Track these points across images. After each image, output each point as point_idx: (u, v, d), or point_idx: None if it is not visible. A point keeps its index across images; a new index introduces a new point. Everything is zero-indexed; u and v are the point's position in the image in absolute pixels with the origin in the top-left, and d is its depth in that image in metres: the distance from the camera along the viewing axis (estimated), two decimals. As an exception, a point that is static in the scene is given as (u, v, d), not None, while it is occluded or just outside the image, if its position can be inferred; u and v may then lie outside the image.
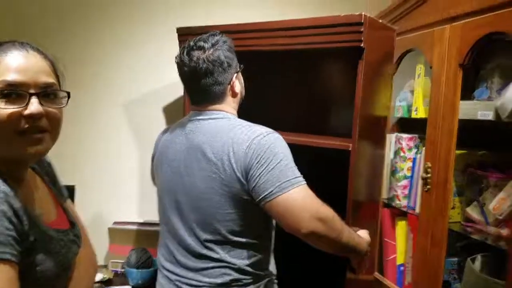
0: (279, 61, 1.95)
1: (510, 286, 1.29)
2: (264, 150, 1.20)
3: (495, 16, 1.37)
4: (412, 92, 1.90)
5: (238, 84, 1.39)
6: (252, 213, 1.28)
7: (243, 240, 1.30)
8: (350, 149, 1.55)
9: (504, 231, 1.43)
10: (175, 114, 2.28)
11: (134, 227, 2.19)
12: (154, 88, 2.30)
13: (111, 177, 2.30)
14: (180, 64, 1.33)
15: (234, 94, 1.38)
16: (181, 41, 2.00)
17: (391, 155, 2.00)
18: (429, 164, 1.64)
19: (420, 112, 1.82)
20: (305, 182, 1.20)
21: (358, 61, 1.51)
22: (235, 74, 1.37)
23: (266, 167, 1.18)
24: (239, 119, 1.35)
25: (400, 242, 1.98)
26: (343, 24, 1.49)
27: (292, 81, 2.11)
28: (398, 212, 1.98)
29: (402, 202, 1.92)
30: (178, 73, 1.38)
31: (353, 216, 1.58)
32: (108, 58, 2.26)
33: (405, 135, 1.92)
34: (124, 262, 2.08)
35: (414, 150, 1.90)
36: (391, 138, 2.00)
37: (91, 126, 2.26)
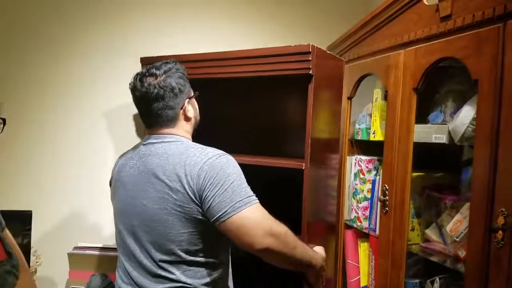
0: (238, 87, 2.04)
1: (467, 308, 1.30)
2: (216, 172, 1.23)
3: (445, 42, 1.41)
4: (370, 115, 1.93)
5: (191, 109, 1.43)
6: (206, 232, 1.29)
7: (198, 259, 1.31)
8: (303, 168, 1.59)
9: (462, 253, 1.45)
10: (134, 140, 2.26)
11: (95, 252, 2.12)
12: (114, 115, 2.28)
13: (70, 201, 2.23)
14: (133, 90, 1.38)
15: (187, 119, 1.41)
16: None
17: (352, 177, 2.02)
18: (386, 186, 1.66)
19: (377, 135, 1.84)
20: (257, 200, 1.24)
21: (308, 87, 1.59)
22: (187, 100, 1.41)
23: (219, 188, 1.21)
24: (192, 142, 1.39)
25: (363, 264, 1.98)
26: (293, 53, 1.58)
27: (249, 106, 2.18)
28: (361, 233, 1.99)
29: (363, 224, 1.93)
30: (132, 99, 1.42)
31: (308, 233, 1.62)
32: (70, 87, 2.22)
33: (364, 157, 1.94)
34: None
35: (374, 172, 1.92)
36: (351, 160, 2.03)
37: (49, 149, 2.21)
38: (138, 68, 2.01)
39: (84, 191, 2.25)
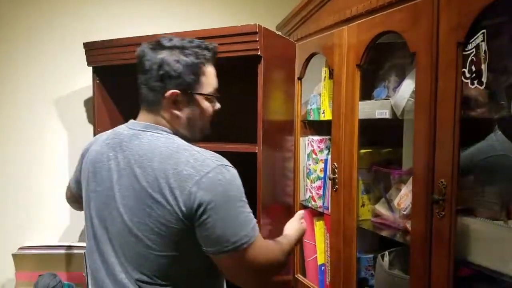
0: None
1: (413, 280, 1.31)
2: (218, 194, 1.00)
3: (385, 16, 1.40)
4: (320, 95, 1.92)
5: (187, 109, 1.17)
6: (190, 254, 1.08)
7: (179, 281, 1.10)
8: (256, 151, 1.59)
9: (410, 226, 1.46)
10: (84, 133, 2.19)
11: (41, 251, 2.05)
12: (65, 105, 2.21)
13: (13, 200, 2.15)
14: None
15: (172, 114, 1.16)
16: (89, 56, 1.99)
17: (306, 158, 2.01)
18: (335, 164, 1.66)
19: (327, 114, 1.84)
20: (258, 230, 1.08)
21: (257, 69, 1.58)
22: (182, 92, 1.14)
23: (220, 215, 1.00)
24: (185, 142, 1.11)
25: (319, 243, 1.99)
26: (239, 34, 1.55)
27: None
28: (316, 213, 1.99)
29: (317, 203, 1.93)
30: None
31: (264, 215, 1.63)
32: (16, 75, 2.14)
33: (316, 138, 1.93)
34: (32, 289, 1.95)
35: (326, 152, 1.92)
36: (304, 141, 2.02)
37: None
38: (81, 53, 1.96)
39: (26, 188, 2.18)
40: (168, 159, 1.03)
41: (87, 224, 1.19)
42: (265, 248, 1.09)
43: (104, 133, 1.25)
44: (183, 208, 0.99)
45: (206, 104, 1.17)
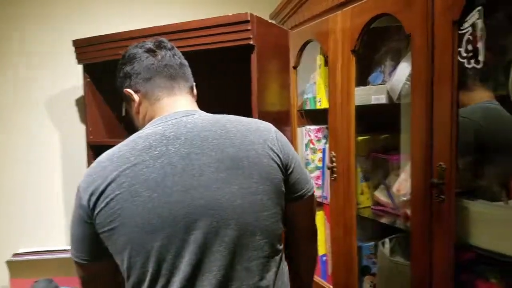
0: None
1: (414, 266, 1.29)
2: (287, 142, 1.08)
3: (379, -1, 1.38)
4: (316, 83, 1.89)
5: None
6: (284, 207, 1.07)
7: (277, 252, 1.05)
8: None
9: (409, 212, 1.44)
10: (76, 133, 2.17)
11: (36, 257, 2.01)
12: (55, 105, 2.17)
13: (5, 206, 2.12)
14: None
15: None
16: (78, 53, 1.96)
17: (304, 148, 1.99)
18: (333, 153, 1.64)
19: (323, 102, 1.81)
20: None
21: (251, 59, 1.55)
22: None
23: (297, 160, 1.07)
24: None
25: (320, 233, 1.96)
26: (231, 23, 1.52)
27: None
28: (315, 203, 1.97)
29: (317, 193, 1.91)
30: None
31: None
32: (3, 76, 2.11)
33: (313, 127, 1.91)
34: (28, 296, 1.92)
35: (323, 141, 1.90)
36: (302, 131, 2.00)
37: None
38: (71, 51, 1.93)
39: (17, 194, 2.14)
40: (240, 125, 1.01)
41: (145, 252, 0.93)
42: None
43: (116, 150, 0.98)
44: (281, 155, 1.01)
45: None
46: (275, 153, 1.00)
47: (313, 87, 1.94)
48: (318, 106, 1.86)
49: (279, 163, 1.01)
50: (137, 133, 1.01)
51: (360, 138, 1.61)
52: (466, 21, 1.09)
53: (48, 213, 2.16)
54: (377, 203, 1.65)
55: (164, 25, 1.67)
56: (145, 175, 0.92)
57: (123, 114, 1.14)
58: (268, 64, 1.69)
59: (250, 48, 1.57)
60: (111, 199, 0.92)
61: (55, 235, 2.18)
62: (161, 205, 0.91)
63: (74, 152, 2.15)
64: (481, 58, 1.07)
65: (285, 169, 1.03)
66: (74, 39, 1.93)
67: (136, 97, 1.08)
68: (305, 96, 1.99)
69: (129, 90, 1.09)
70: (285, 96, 1.92)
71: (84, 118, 2.06)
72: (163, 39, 1.15)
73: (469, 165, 1.23)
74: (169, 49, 1.12)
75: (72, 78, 2.12)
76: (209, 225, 0.93)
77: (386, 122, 1.67)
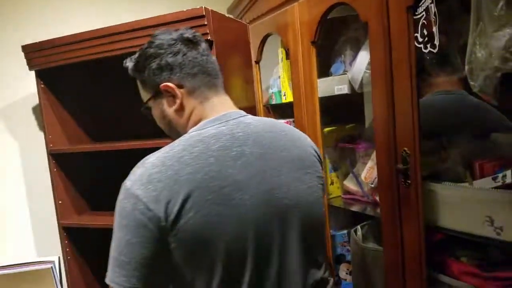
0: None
1: (386, 251, 1.31)
2: None
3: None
4: (280, 77, 1.89)
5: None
6: None
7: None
8: None
9: (378, 198, 1.46)
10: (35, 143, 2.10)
11: (7, 271, 1.92)
12: (9, 115, 2.08)
13: None
14: None
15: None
16: (29, 59, 1.85)
17: (271, 142, 1.98)
18: (300, 145, 1.64)
19: (288, 96, 1.81)
20: None
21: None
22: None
23: None
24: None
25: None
26: (186, 19, 1.47)
27: None
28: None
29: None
30: None
31: None
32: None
33: (280, 121, 1.90)
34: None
35: (290, 134, 1.89)
36: (268, 125, 1.99)
37: None
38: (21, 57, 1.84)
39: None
40: (286, 128, 1.04)
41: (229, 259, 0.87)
42: None
43: (176, 151, 0.88)
44: (320, 161, 1.06)
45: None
46: (317, 153, 1.04)
47: (277, 81, 1.93)
48: (284, 100, 1.86)
49: (320, 163, 1.05)
50: (195, 133, 0.92)
51: (326, 129, 1.62)
52: (420, 6, 1.10)
53: (14, 226, 2.09)
54: (347, 192, 1.66)
55: (119, 24, 1.60)
56: (231, 177, 0.85)
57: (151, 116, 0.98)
58: (228, 60, 1.67)
59: (207, 43, 1.55)
60: (201, 206, 0.81)
61: (24, 248, 2.11)
62: (253, 208, 0.87)
63: (35, 163, 2.07)
64: (436, 42, 1.08)
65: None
66: (23, 44, 1.84)
67: (178, 92, 0.96)
68: (270, 91, 1.98)
69: (170, 84, 0.96)
70: (250, 91, 1.90)
71: (42, 126, 1.97)
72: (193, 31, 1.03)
73: (433, 147, 1.25)
74: (204, 42, 1.03)
75: (26, 85, 2.04)
76: (295, 223, 0.93)
77: (350, 111, 1.69)
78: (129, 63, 1.05)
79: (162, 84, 0.96)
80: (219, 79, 1.03)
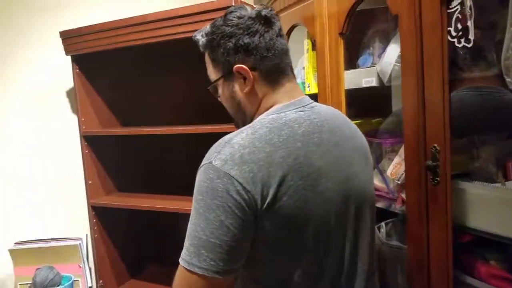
0: (155, 55, 2.01)
1: (410, 249, 1.28)
2: None
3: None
4: (304, 68, 1.86)
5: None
6: None
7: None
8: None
9: (404, 195, 1.43)
10: (68, 125, 2.13)
11: (37, 245, 2.02)
12: (46, 98, 2.13)
13: (6, 196, 2.08)
14: None
15: None
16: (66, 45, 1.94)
17: (295, 134, 1.96)
18: (325, 139, 1.61)
19: (312, 87, 1.78)
20: None
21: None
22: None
23: None
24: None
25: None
26: (214, 9, 1.48)
27: (173, 73, 2.15)
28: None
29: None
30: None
31: None
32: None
33: (303, 113, 1.88)
34: (31, 283, 1.92)
35: (315, 126, 1.87)
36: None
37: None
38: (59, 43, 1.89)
39: (16, 184, 2.11)
40: (349, 122, 1.07)
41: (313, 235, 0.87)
42: None
43: (264, 131, 0.85)
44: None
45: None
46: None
47: (302, 72, 1.90)
48: (308, 91, 1.83)
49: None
50: (276, 116, 0.89)
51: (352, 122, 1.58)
52: (455, -1, 1.06)
53: (46, 204, 2.15)
54: (371, 187, 1.63)
55: (151, 13, 1.63)
56: (317, 163, 0.85)
57: (218, 94, 0.94)
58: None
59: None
60: (294, 191, 0.80)
61: (54, 224, 2.17)
62: (334, 195, 0.87)
63: (68, 144, 2.14)
64: (471, 36, 1.04)
65: None
66: (61, 30, 1.90)
67: (251, 75, 0.92)
68: (295, 82, 1.95)
69: (244, 66, 0.92)
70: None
71: (76, 109, 2.03)
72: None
73: (464, 145, 1.21)
74: (279, 21, 0.98)
75: (61, 70, 2.08)
76: (366, 211, 0.97)
77: (377, 105, 1.65)
78: (200, 38, 1.00)
79: (236, 66, 0.92)
80: (289, 63, 0.99)
